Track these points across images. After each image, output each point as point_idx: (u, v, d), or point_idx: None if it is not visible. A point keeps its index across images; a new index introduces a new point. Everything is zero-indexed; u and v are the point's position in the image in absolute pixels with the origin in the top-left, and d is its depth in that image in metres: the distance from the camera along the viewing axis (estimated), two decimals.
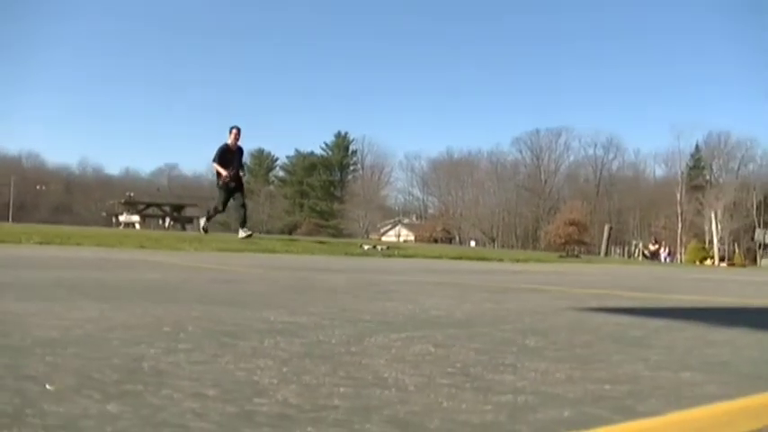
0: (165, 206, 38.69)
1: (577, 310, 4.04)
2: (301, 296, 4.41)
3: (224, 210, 18.18)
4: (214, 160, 17.71)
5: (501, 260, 16.47)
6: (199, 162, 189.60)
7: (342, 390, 1.75)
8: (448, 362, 2.18)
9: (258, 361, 2.06)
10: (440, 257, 15.16)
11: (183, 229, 34.38)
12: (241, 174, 18.05)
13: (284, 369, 1.96)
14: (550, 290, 5.86)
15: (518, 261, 16.80)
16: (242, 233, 17.39)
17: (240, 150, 18.04)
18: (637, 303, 4.75)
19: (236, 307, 3.59)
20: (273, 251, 13.65)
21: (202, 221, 18.88)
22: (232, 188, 17.62)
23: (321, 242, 19.88)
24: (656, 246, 61.93)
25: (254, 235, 18.37)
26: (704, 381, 2.04)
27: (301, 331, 2.73)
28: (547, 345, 2.62)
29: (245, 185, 18.84)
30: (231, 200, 17.76)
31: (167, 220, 36.32)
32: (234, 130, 17.90)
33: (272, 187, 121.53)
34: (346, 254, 14.43)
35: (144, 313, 3.12)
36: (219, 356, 2.12)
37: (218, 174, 17.50)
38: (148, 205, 38.41)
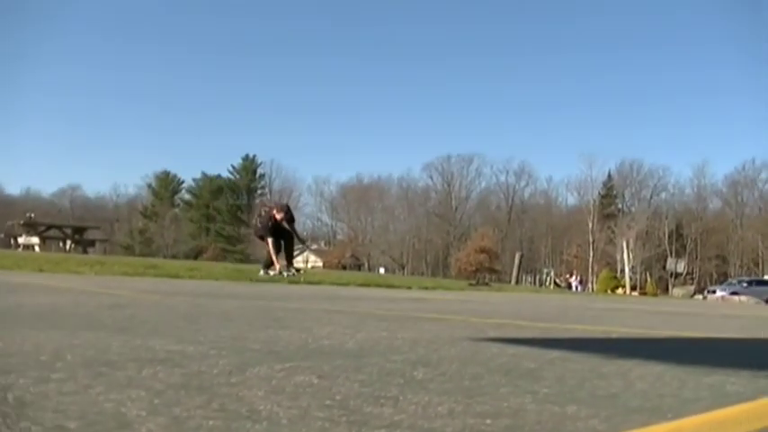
0: (66, 228, 38.14)
1: (474, 341, 4.05)
2: (193, 324, 4.36)
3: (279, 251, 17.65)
4: (257, 232, 17.93)
5: (409, 287, 16.49)
6: (102, 183, 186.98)
7: (211, 423, 1.73)
8: (328, 394, 2.16)
9: (131, 392, 2.03)
10: (347, 284, 15.14)
11: (85, 252, 33.94)
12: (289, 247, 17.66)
13: (156, 401, 1.94)
14: (451, 319, 5.87)
15: (426, 288, 16.84)
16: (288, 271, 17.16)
17: (290, 218, 17.66)
18: (536, 333, 4.79)
19: (124, 334, 3.53)
20: (177, 276, 13.48)
21: (262, 272, 17.35)
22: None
23: (233, 267, 20.00)
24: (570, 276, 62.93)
25: (300, 271, 18.14)
26: (588, 415, 2.05)
27: (185, 361, 2.70)
28: (435, 376, 2.61)
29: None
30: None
31: (68, 242, 35.81)
32: (281, 210, 17.49)
33: (177, 210, 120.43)
34: (250, 280, 14.31)
35: (23, 340, 3.07)
36: (91, 387, 2.08)
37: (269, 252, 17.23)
38: (49, 227, 37.84)
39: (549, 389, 2.46)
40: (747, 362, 3.77)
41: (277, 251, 17.26)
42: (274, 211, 17.49)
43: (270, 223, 17.27)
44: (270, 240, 17.20)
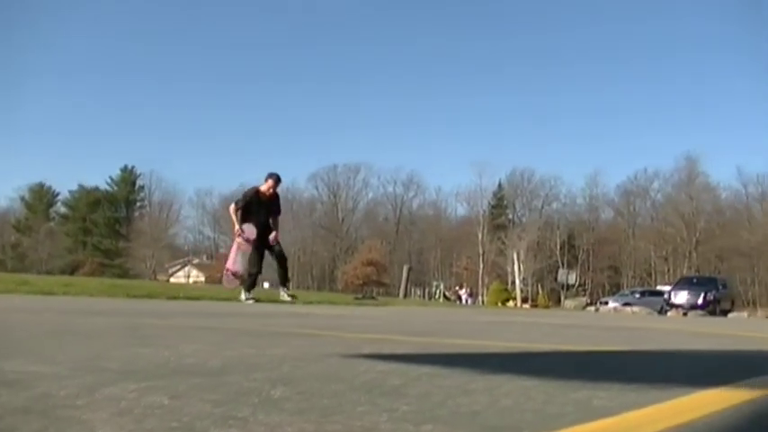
0: None
1: (344, 357, 4.05)
2: (54, 342, 4.32)
3: (260, 270, 15.89)
4: (237, 206, 15.87)
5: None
6: None
7: None
8: (177, 415, 2.13)
9: None
10: (228, 300, 15.00)
11: None
12: (272, 237, 15.66)
13: None
14: (325, 335, 5.87)
15: (311, 303, 16.83)
16: (284, 294, 15.82)
17: (275, 203, 16.01)
18: (411, 349, 4.79)
19: None
20: (50, 293, 13.19)
21: (243, 296, 15.31)
22: (261, 247, 15.67)
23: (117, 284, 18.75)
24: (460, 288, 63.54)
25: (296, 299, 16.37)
26: None
27: (34, 382, 2.64)
28: (293, 395, 2.59)
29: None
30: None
31: None
32: (270, 180, 15.81)
33: (52, 224, 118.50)
34: (128, 296, 14.06)
35: None
36: None
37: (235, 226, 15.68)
38: None
39: (409, 406, 2.45)
40: (619, 376, 3.83)
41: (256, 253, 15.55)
42: (262, 186, 15.78)
43: (253, 196, 15.70)
44: (243, 230, 15.45)
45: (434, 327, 8.55)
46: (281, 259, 16.02)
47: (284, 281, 16.24)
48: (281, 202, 16.56)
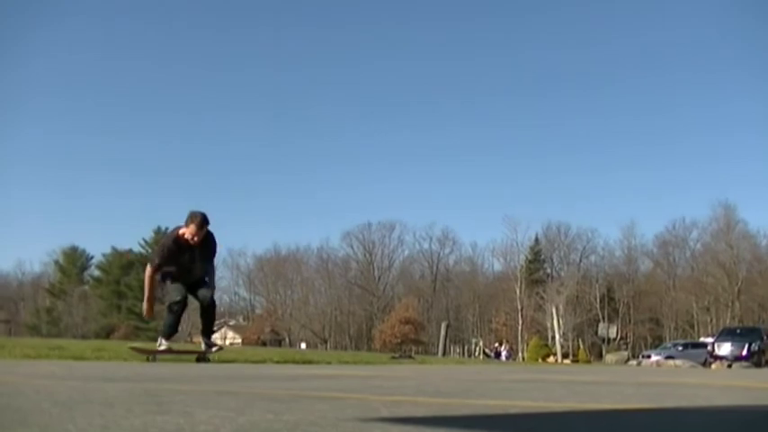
0: None
1: (361, 421, 4.09)
2: (68, 411, 4.29)
3: (184, 308, 13.16)
4: (153, 266, 13.13)
5: (329, 363, 16.44)
6: (5, 261, 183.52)
7: None
8: None
9: None
10: (262, 362, 15.01)
11: None
12: (205, 292, 13.27)
13: None
14: (348, 397, 5.90)
15: (346, 363, 16.81)
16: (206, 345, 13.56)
17: (208, 247, 13.18)
18: (431, 411, 4.83)
19: None
20: (82, 358, 13.18)
21: (158, 342, 13.42)
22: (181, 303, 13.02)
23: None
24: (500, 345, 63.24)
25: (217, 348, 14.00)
26: None
27: None
28: None
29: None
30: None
31: None
32: (192, 225, 12.66)
33: (86, 287, 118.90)
34: (147, 359, 14.03)
35: None
36: None
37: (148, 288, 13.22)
38: None
39: None
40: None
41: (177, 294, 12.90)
42: (183, 230, 12.79)
43: (172, 246, 12.95)
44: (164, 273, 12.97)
45: (462, 386, 8.56)
46: (208, 306, 13.48)
47: (208, 330, 13.68)
48: (216, 241, 13.38)
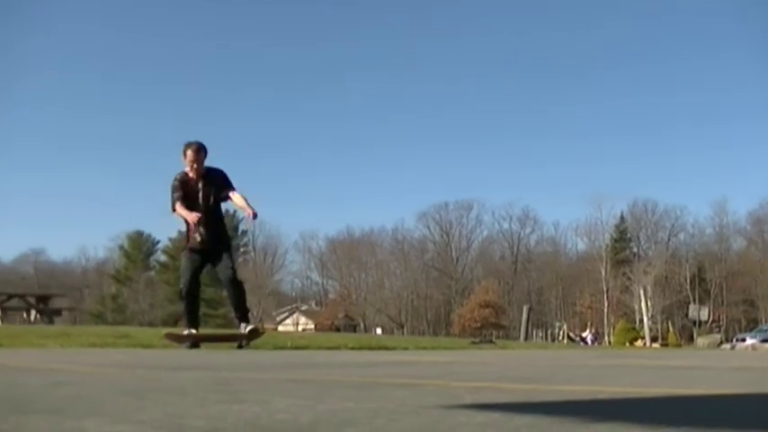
0: (29, 297, 38.10)
1: (444, 408, 4.05)
2: (139, 400, 4.31)
3: (192, 290, 12.64)
4: (173, 206, 12.17)
5: (406, 349, 16.41)
6: (68, 247, 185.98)
7: None
8: None
9: None
10: (337, 348, 15.03)
11: (51, 322, 33.86)
12: (248, 216, 12.71)
13: None
14: (429, 384, 5.88)
15: (424, 349, 16.77)
16: (243, 328, 12.74)
17: (214, 180, 12.33)
18: (515, 397, 4.79)
19: (58, 416, 3.48)
20: (149, 346, 13.29)
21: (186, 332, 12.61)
22: (204, 252, 12.44)
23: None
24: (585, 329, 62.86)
25: (261, 331, 13.89)
26: None
27: None
28: None
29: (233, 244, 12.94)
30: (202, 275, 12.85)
31: (32, 312, 35.75)
32: (189, 151, 12.05)
33: (152, 273, 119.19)
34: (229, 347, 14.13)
35: None
36: None
37: (187, 223, 12.22)
38: (10, 296, 37.77)
39: None
40: (718, 420, 3.79)
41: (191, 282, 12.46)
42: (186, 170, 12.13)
43: (177, 185, 12.15)
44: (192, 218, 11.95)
45: (547, 372, 8.50)
46: (233, 284, 12.75)
47: (243, 312, 12.88)
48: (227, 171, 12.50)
